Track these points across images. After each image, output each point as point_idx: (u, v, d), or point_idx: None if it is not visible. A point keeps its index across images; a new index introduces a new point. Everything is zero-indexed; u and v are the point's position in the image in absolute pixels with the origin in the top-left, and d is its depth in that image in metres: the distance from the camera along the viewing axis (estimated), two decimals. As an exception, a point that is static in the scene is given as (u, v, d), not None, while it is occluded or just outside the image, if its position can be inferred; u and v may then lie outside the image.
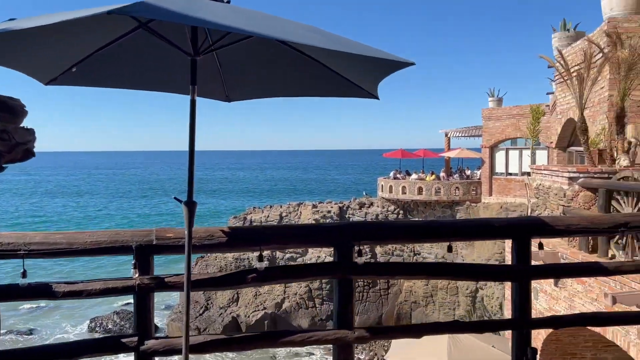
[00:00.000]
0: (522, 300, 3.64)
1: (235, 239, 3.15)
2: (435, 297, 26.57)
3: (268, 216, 29.21)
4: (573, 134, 11.66)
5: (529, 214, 9.45)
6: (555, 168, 8.05)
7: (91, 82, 3.55)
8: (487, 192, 26.07)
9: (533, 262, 3.56)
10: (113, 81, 3.65)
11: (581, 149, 11.51)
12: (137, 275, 2.83)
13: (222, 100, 4.20)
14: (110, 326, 26.09)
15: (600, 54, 7.73)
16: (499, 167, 26.10)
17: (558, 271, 3.65)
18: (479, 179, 26.88)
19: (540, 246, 3.61)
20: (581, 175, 7.52)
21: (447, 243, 3.69)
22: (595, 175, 7.44)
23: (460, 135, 29.20)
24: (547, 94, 21.32)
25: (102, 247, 2.84)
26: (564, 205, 7.71)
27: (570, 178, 7.63)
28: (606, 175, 7.40)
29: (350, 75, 3.53)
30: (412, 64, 2.59)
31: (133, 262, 2.85)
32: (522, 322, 3.58)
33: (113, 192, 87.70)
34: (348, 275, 3.34)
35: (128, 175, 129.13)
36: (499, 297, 25.14)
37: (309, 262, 27.40)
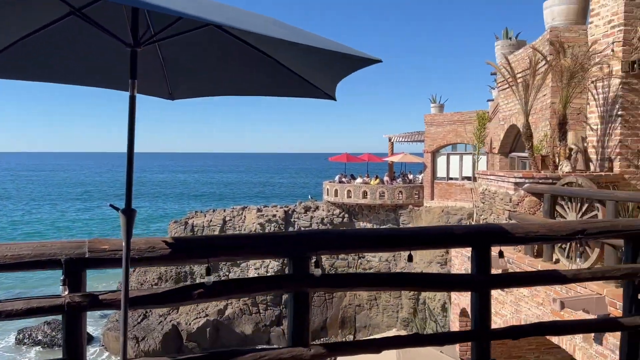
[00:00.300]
0: (482, 310, 3.53)
1: (179, 250, 2.87)
2: (379, 300, 26.78)
3: (211, 220, 28.50)
4: (515, 140, 12.01)
5: (474, 219, 9.56)
6: (502, 173, 8.16)
7: (14, 74, 3.15)
8: (429, 196, 26.58)
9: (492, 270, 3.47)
10: (41, 74, 3.26)
11: (523, 154, 11.84)
12: (66, 292, 2.49)
13: (165, 98, 3.89)
14: (40, 337, 24.55)
15: (544, 62, 7.91)
16: (441, 172, 26.68)
17: (518, 280, 3.58)
18: (421, 183, 27.38)
19: (501, 254, 3.53)
20: (527, 180, 7.65)
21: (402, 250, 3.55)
22: (540, 181, 7.59)
23: (403, 140, 29.66)
24: (488, 100, 22.00)
25: (25, 261, 2.47)
26: (509, 210, 7.82)
27: (516, 183, 7.74)
28: (550, 181, 7.56)
29: (307, 74, 3.31)
30: (379, 61, 2.41)
31: (62, 278, 2.51)
32: (482, 333, 3.47)
33: (41, 196, 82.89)
34: (304, 288, 3.12)
35: (56, 178, 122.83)
36: (440, 299, 25.65)
37: (252, 270, 26.95)
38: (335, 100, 3.54)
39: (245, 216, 28.43)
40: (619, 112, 7.98)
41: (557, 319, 6.45)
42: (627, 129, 8.00)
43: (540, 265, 6.93)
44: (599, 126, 8.39)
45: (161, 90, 3.79)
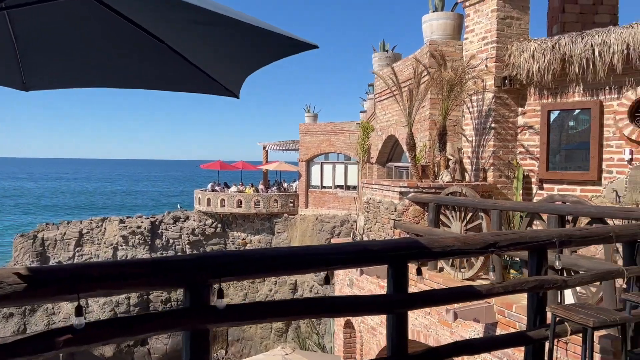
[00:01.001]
0: (399, 333, 3.22)
1: (40, 284, 2.15)
2: (253, 311, 26.15)
3: (65, 234, 25.70)
4: (392, 150, 12.32)
5: (357, 228, 9.51)
6: (387, 183, 8.15)
7: None
8: (304, 204, 26.66)
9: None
10: None
11: (400, 164, 12.14)
12: None
13: (16, 89, 3.08)
14: None
15: (426, 73, 8.08)
16: (315, 181, 26.92)
17: (436, 298, 3.33)
18: (296, 191, 27.39)
19: (419, 272, 3.27)
20: (411, 190, 7.69)
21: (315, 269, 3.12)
22: (424, 190, 7.68)
23: (278, 148, 29.50)
24: (361, 112, 22.65)
25: None
26: (395, 220, 7.81)
27: (401, 193, 7.76)
28: (433, 191, 7.68)
29: (206, 62, 2.73)
30: (315, 46, 1.96)
31: None
32: (399, 358, 3.16)
33: None
34: (203, 324, 2.54)
35: None
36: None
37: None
38: (238, 97, 3.01)
39: (105, 228, 26.09)
40: (492, 125, 8.42)
41: (446, 328, 6.49)
42: (499, 140, 8.46)
43: (427, 274, 6.96)
44: (474, 138, 8.79)
45: (10, 79, 3.00)
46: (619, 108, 7.40)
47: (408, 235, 7.69)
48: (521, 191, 8.29)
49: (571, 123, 8.23)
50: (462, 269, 6.73)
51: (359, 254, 3.11)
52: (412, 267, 3.28)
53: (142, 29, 2.50)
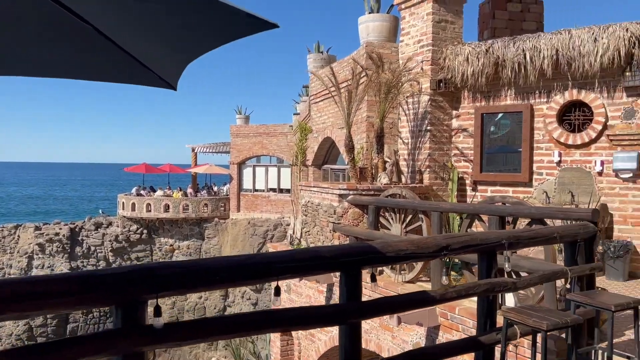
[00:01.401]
0: (353, 344, 3.01)
1: None
2: (178, 317, 25.25)
3: (-28, 242, 23.56)
4: (328, 153, 12.18)
5: (293, 232, 9.27)
6: (326, 185, 7.97)
7: None
8: (236, 208, 26.07)
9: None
10: None
11: (336, 167, 12.03)
12: None
13: None
14: None
15: (364, 75, 7.98)
16: (247, 184, 26.41)
17: (389, 306, 3.15)
18: (227, 195, 26.74)
19: (373, 278, 3.07)
20: (350, 192, 7.56)
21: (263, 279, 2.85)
22: (363, 193, 7.57)
23: (208, 151, 28.69)
24: (294, 115, 22.44)
25: None
26: (334, 222, 7.64)
27: (340, 195, 7.60)
28: (372, 193, 7.58)
29: (139, 47, 2.38)
30: (275, 26, 1.68)
31: None
32: (356, 373, 2.95)
33: None
34: (138, 347, 2.20)
35: None
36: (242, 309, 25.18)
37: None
38: (175, 89, 2.68)
39: (19, 236, 24.20)
40: (428, 127, 8.47)
41: (387, 332, 6.38)
42: (435, 143, 8.53)
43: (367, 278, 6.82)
44: (410, 140, 8.81)
45: None
46: (549, 112, 7.65)
47: (347, 239, 7.54)
48: (456, 193, 8.39)
49: (492, 128, 8.40)
50: (402, 272, 6.66)
51: (311, 261, 2.87)
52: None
53: (63, 6, 2.12)
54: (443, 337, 5.59)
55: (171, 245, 25.22)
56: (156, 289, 2.31)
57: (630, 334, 4.61)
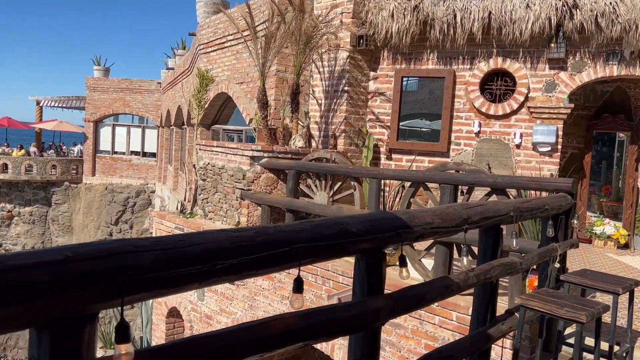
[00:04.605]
0: (372, 354, 2.15)
1: None
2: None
3: None
4: (220, 111, 10.84)
5: (186, 199, 7.99)
6: (234, 145, 6.82)
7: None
8: (90, 171, 23.18)
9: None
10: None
11: (230, 127, 10.78)
12: None
13: None
14: None
15: (280, 19, 6.89)
16: (105, 145, 23.58)
17: (421, 297, 2.32)
18: (80, 156, 23.66)
19: (403, 261, 2.20)
20: (265, 154, 6.54)
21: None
22: (280, 156, 6.60)
23: (57, 105, 24.98)
24: (168, 69, 20.28)
25: None
26: (242, 189, 6.58)
27: (252, 157, 6.54)
28: (290, 156, 6.66)
29: None
30: None
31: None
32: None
33: None
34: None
35: None
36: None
37: None
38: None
39: None
40: (345, 88, 7.71)
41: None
42: (351, 106, 7.81)
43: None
44: (324, 101, 7.99)
45: None
46: (472, 79, 7.34)
47: (259, 208, 6.55)
48: (370, 160, 7.81)
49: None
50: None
51: (339, 238, 1.91)
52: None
53: None
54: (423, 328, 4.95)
55: (9, 211, 21.69)
56: (120, 291, 1.22)
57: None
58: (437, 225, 2.46)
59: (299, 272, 1.79)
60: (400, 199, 6.01)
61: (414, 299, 2.27)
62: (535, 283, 4.26)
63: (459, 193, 4.81)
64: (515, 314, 3.18)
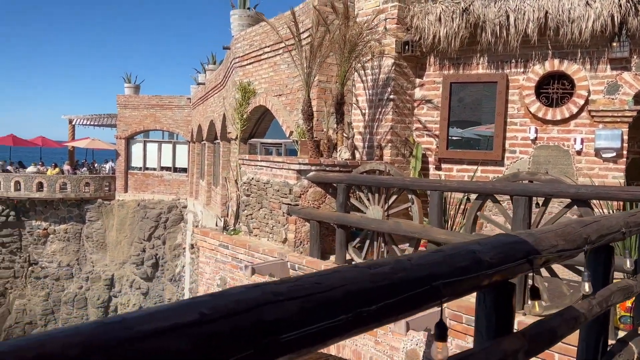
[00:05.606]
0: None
1: None
2: (57, 313, 22.25)
3: None
4: (257, 125, 10.65)
5: (228, 214, 7.75)
6: (280, 159, 6.57)
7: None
8: (123, 188, 23.32)
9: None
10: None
11: (269, 141, 10.57)
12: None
13: None
14: None
15: (324, 28, 6.63)
16: (136, 161, 23.73)
17: (553, 331, 1.97)
18: (112, 173, 23.84)
19: (535, 294, 1.86)
20: (313, 167, 6.25)
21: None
22: (328, 169, 6.31)
23: (89, 123, 25.31)
24: (199, 84, 20.31)
25: None
26: (289, 204, 6.30)
27: (299, 171, 6.27)
28: (338, 169, 6.36)
29: None
30: None
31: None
32: None
33: None
34: None
35: None
36: (135, 304, 22.86)
37: None
38: None
39: None
40: (391, 96, 7.39)
41: (368, 336, 5.25)
42: (397, 115, 7.49)
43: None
44: (368, 110, 7.69)
45: None
46: (526, 83, 6.95)
47: (307, 224, 6.25)
48: (419, 171, 7.46)
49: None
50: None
51: (473, 270, 1.59)
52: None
53: None
54: (452, 344, 4.59)
55: (45, 229, 21.94)
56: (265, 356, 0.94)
57: None
58: (561, 248, 2.12)
59: (441, 315, 1.47)
60: (464, 212, 5.64)
61: (546, 336, 1.93)
62: (628, 304, 3.85)
63: (534, 205, 4.43)
64: (630, 343, 2.79)
